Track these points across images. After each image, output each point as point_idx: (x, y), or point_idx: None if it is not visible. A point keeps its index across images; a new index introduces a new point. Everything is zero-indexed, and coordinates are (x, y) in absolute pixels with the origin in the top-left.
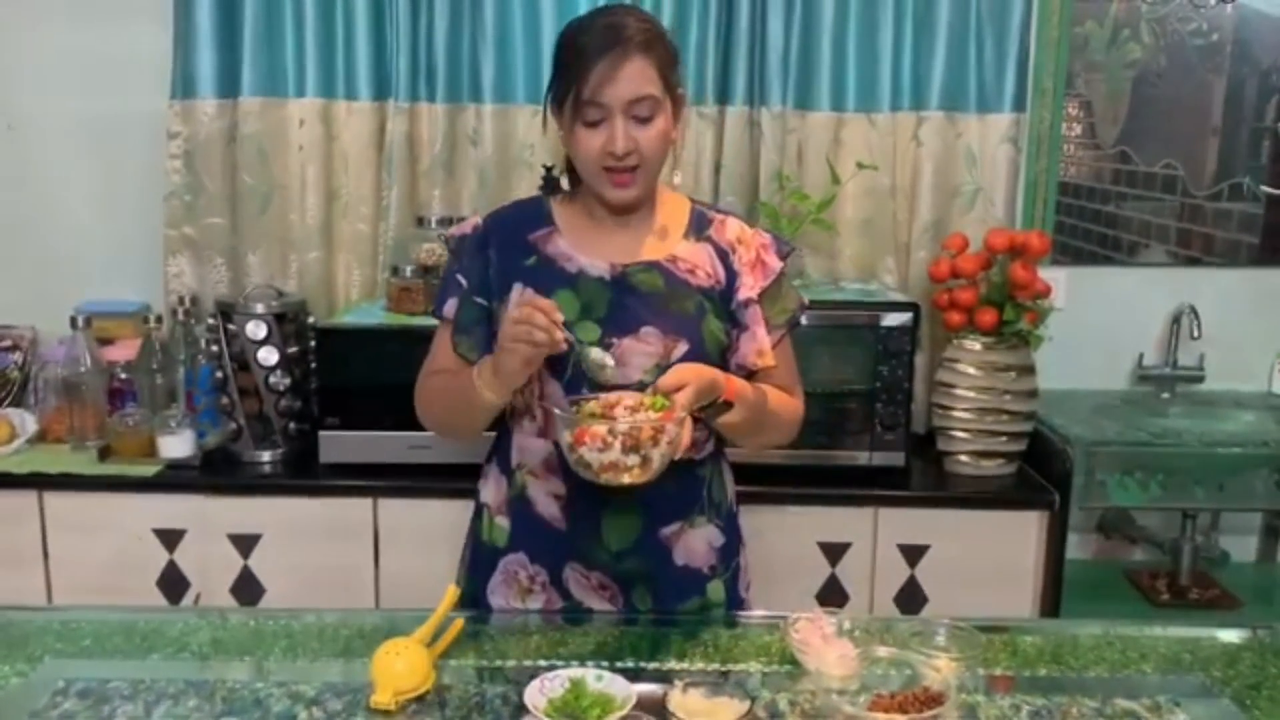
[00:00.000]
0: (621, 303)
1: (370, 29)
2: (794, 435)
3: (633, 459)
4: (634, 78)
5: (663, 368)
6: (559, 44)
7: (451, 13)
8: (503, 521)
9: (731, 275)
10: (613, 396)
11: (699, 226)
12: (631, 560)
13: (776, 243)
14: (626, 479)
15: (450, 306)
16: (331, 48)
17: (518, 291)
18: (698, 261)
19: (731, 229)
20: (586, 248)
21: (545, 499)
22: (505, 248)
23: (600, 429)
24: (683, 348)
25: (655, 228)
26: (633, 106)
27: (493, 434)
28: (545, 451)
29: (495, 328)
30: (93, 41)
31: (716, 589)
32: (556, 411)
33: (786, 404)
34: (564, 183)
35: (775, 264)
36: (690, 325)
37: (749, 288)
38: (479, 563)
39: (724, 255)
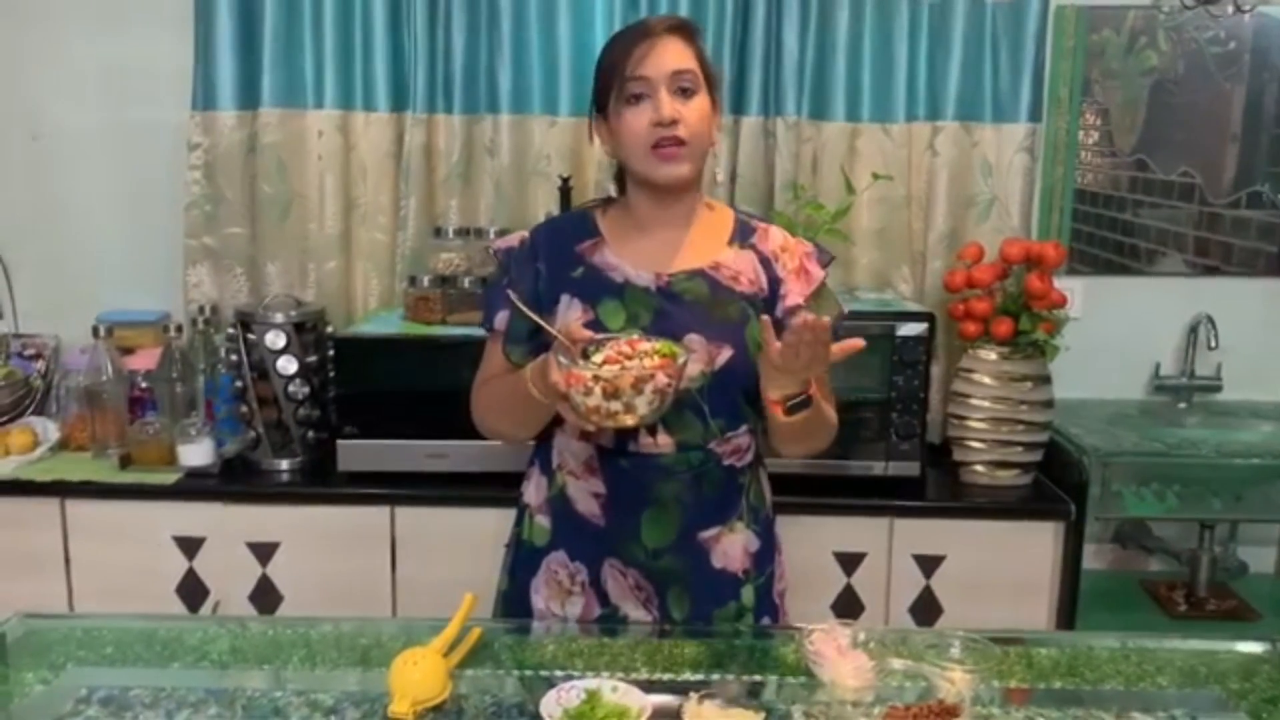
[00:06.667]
0: (667, 311)
1: (388, 41)
2: (828, 445)
3: (615, 405)
4: (672, 51)
5: (708, 374)
6: (598, 58)
7: (469, 24)
8: (543, 520)
9: (775, 282)
10: (631, 341)
11: (743, 235)
12: (668, 559)
13: (818, 252)
14: (612, 424)
15: (501, 319)
16: (350, 59)
17: (565, 303)
18: (741, 268)
19: (775, 238)
20: (632, 256)
21: (585, 497)
22: (553, 260)
23: (585, 374)
24: (727, 353)
25: (699, 234)
26: (675, 79)
27: (532, 441)
28: (586, 453)
29: (546, 339)
30: (115, 53)
31: (750, 594)
32: (559, 358)
33: (830, 412)
34: (613, 191)
35: (818, 273)
36: (735, 332)
37: (796, 294)
38: (521, 564)
39: (767, 263)
